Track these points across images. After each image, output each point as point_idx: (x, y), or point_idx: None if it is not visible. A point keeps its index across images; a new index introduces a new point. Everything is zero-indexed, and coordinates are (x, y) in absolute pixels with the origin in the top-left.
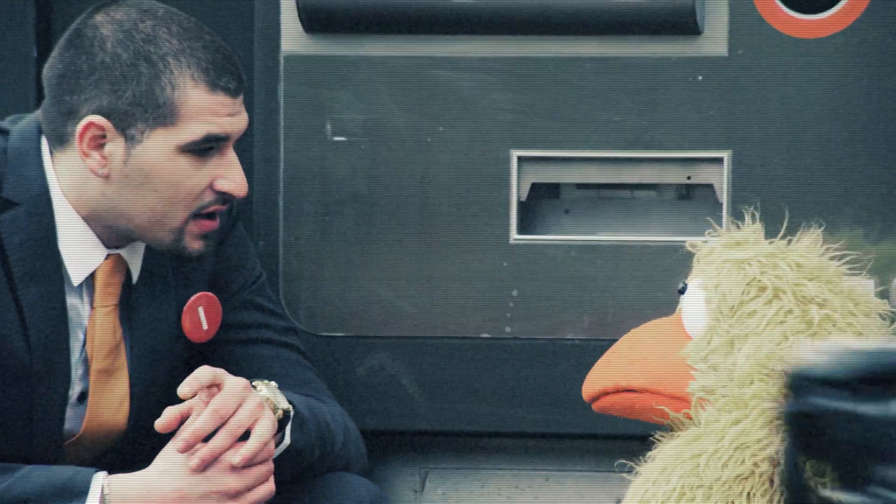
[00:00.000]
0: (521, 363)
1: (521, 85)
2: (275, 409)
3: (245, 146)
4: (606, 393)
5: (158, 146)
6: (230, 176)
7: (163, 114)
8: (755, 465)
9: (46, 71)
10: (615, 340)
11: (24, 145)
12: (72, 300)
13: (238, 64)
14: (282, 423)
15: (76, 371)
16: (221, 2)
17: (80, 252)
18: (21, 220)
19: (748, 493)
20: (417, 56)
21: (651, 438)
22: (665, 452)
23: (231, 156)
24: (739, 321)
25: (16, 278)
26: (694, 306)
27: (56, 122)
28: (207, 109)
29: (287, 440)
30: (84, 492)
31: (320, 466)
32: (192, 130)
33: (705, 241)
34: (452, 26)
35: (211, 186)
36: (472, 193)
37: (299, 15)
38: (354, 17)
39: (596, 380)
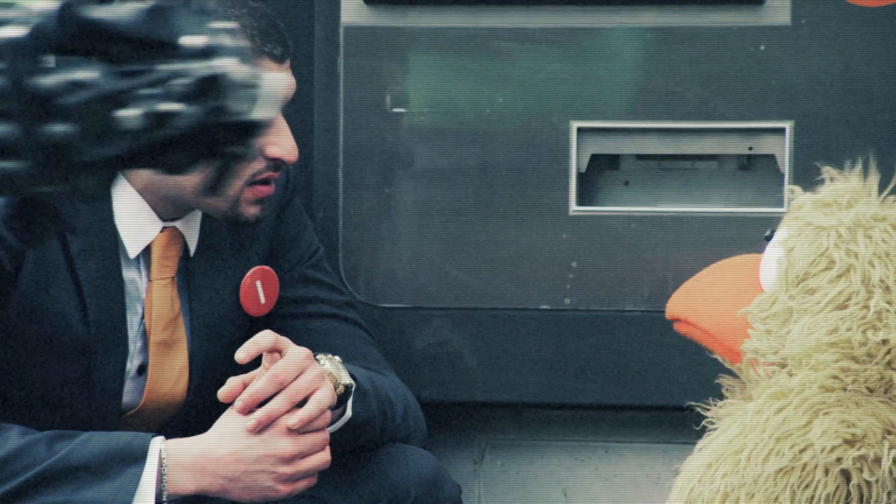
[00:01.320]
0: (580, 335)
1: (580, 56)
2: (336, 384)
3: (305, 118)
4: (680, 320)
5: None
6: (279, 142)
7: None
8: (796, 456)
9: None
10: None
11: None
12: (129, 273)
13: (283, 30)
14: (343, 398)
15: (135, 344)
16: None
17: (136, 225)
18: None
19: (791, 488)
20: (477, 27)
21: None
22: (711, 447)
23: (280, 121)
24: (801, 294)
25: (73, 254)
26: (770, 262)
27: None
28: None
29: (348, 413)
30: (142, 456)
31: (381, 439)
32: None
33: (807, 190)
34: None
35: (262, 153)
36: (532, 165)
37: None
38: None
39: (675, 304)
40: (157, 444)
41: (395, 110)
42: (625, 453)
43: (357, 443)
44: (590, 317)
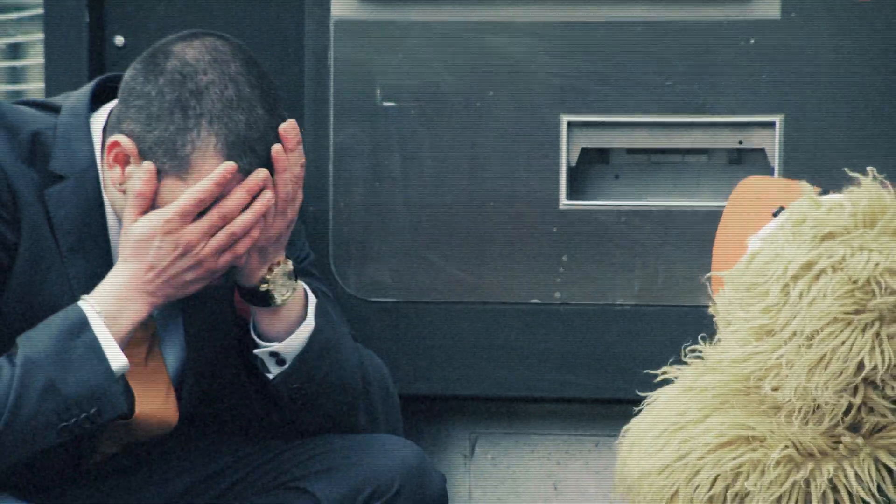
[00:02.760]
0: (570, 329)
1: (571, 49)
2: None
3: (295, 112)
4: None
5: (171, 191)
6: None
7: (177, 165)
8: (681, 450)
9: (127, 70)
10: (665, 306)
11: (73, 121)
12: None
13: (270, 150)
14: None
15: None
16: None
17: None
18: (68, 194)
19: (677, 485)
20: (467, 21)
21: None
22: (637, 425)
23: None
24: (751, 292)
25: (63, 251)
26: (764, 237)
27: (111, 115)
28: None
29: (310, 321)
30: (84, 321)
31: (362, 406)
32: None
33: (821, 195)
34: None
35: None
36: (522, 158)
37: None
38: None
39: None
40: (86, 302)
41: (386, 104)
42: (614, 447)
43: (327, 372)
44: (580, 311)
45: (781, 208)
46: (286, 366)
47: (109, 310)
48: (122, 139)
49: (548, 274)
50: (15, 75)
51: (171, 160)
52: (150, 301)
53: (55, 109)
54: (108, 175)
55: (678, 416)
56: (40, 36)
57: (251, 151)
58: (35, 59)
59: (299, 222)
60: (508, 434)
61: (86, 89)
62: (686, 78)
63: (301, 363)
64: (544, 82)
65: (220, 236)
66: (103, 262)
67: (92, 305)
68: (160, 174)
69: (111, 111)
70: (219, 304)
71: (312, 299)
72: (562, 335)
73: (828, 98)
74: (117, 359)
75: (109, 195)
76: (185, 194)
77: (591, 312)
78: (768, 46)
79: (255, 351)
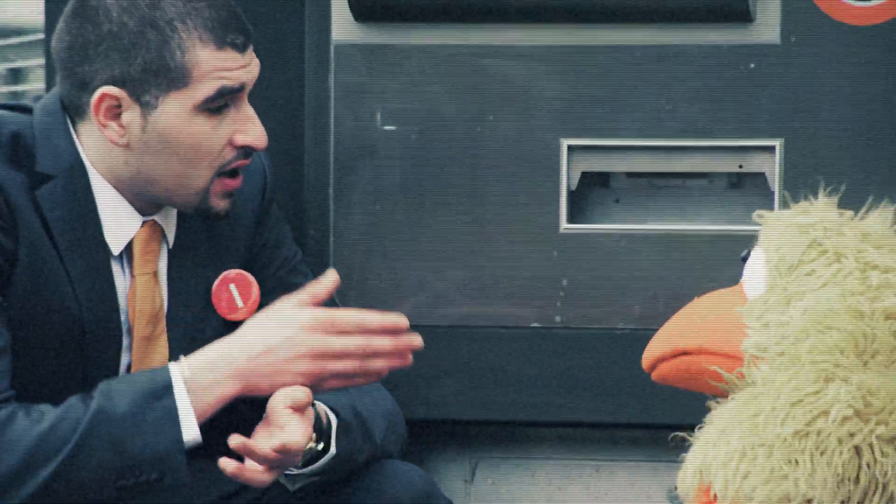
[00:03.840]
0: (570, 353)
1: (571, 73)
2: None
3: (296, 135)
4: (664, 359)
5: (174, 109)
6: (248, 129)
7: (175, 77)
8: (810, 421)
9: (54, 44)
10: None
11: (49, 119)
12: (114, 269)
13: (243, 18)
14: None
15: (125, 340)
16: None
17: (117, 221)
18: (58, 193)
19: (810, 451)
20: (467, 45)
21: (707, 405)
22: (722, 415)
23: (247, 109)
24: (797, 279)
25: (61, 251)
26: (754, 269)
27: (72, 95)
28: (218, 66)
29: (333, 450)
30: (168, 386)
31: (365, 461)
32: (206, 88)
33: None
34: (503, 14)
35: (231, 143)
36: (522, 182)
37: (350, 4)
38: (405, 5)
39: (653, 347)
40: (176, 367)
41: (386, 128)
42: (615, 471)
43: (344, 473)
44: (580, 335)
45: (747, 252)
46: (300, 481)
47: (200, 380)
48: (106, 89)
49: (548, 298)
50: (16, 99)
51: (165, 75)
52: (243, 386)
53: (27, 110)
54: (103, 152)
55: (793, 390)
56: (41, 61)
57: (230, 26)
58: (36, 84)
59: (284, 223)
60: (509, 458)
61: (54, 91)
62: (686, 102)
63: (315, 473)
64: (544, 106)
65: (349, 364)
66: (102, 256)
67: (182, 370)
68: (159, 97)
69: (59, 96)
70: (198, 302)
71: (334, 421)
72: (562, 359)
73: (828, 122)
74: (191, 430)
75: (107, 170)
76: (348, 312)
77: (592, 336)
78: (768, 71)
79: None
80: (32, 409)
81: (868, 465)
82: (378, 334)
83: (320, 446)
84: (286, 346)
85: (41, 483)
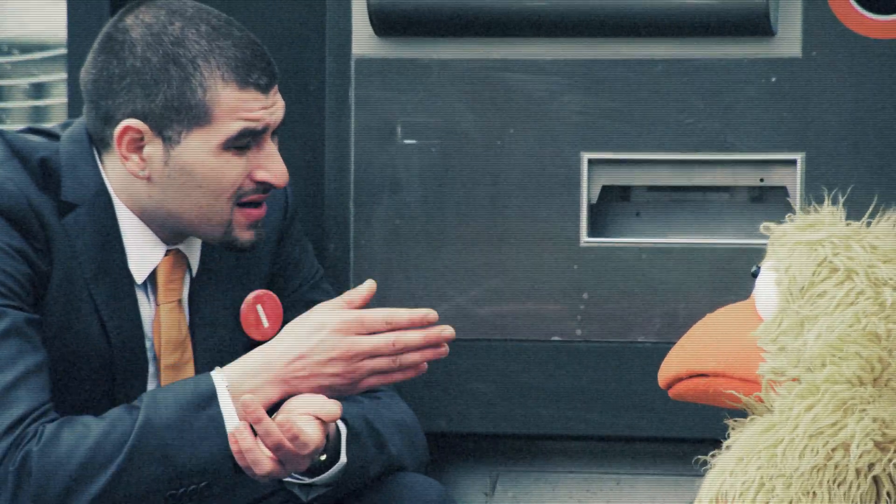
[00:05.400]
0: (591, 366)
1: (591, 87)
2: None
3: (316, 149)
4: (680, 379)
5: (197, 146)
6: (269, 167)
7: (197, 115)
8: (829, 454)
9: (83, 76)
10: None
11: (75, 148)
12: (138, 297)
13: (269, 58)
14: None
15: (150, 368)
16: (293, 4)
17: (141, 250)
18: (83, 221)
19: (828, 483)
20: (488, 59)
21: (725, 422)
22: (740, 442)
23: (269, 146)
24: (809, 302)
25: (87, 278)
26: (766, 288)
27: (96, 126)
28: (240, 107)
29: (343, 459)
30: (213, 395)
31: (380, 473)
32: (228, 128)
33: (780, 223)
34: (523, 29)
35: (250, 177)
36: (543, 196)
37: (370, 18)
38: (425, 20)
39: (670, 366)
40: (218, 374)
41: (406, 142)
42: (636, 485)
43: (357, 484)
44: (601, 348)
45: (757, 268)
46: (314, 492)
47: (242, 388)
48: (129, 122)
49: (569, 311)
50: (38, 114)
51: (187, 113)
52: (283, 391)
53: (55, 136)
54: (126, 184)
55: (811, 422)
56: (63, 76)
57: (254, 66)
58: (58, 99)
59: (307, 241)
60: (529, 472)
61: (80, 120)
62: (707, 116)
63: (327, 485)
64: (565, 120)
65: (383, 361)
66: (126, 285)
67: (224, 378)
68: (181, 133)
69: (85, 128)
70: (226, 324)
71: (343, 431)
72: (583, 372)
73: (849, 136)
74: None
75: (131, 201)
76: (376, 310)
77: (613, 350)
78: (790, 84)
79: (284, 480)
80: (76, 423)
81: (889, 495)
82: (408, 329)
83: (324, 457)
84: (318, 349)
85: (92, 499)
